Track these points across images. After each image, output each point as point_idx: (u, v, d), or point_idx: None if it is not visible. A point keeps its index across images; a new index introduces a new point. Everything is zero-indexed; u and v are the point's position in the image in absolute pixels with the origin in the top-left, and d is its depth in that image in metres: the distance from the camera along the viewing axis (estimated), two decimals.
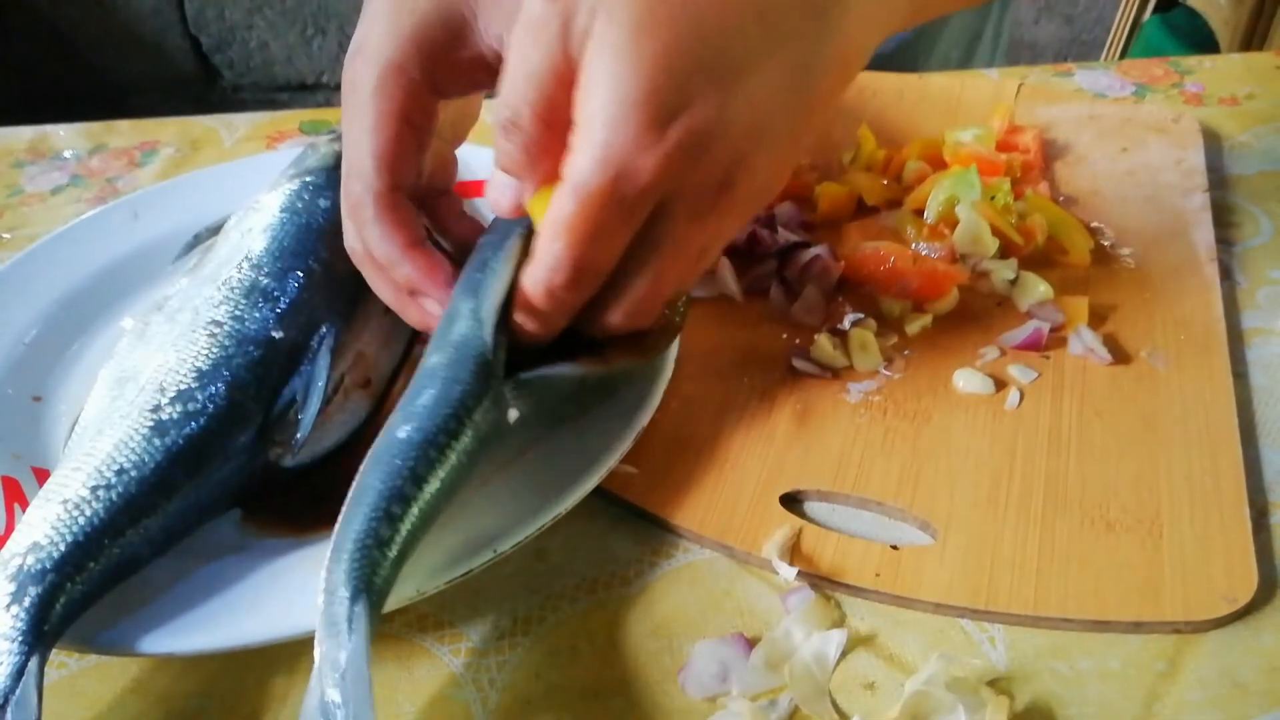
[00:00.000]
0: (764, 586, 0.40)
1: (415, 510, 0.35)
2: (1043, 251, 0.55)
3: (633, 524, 0.43)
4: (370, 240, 0.41)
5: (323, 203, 0.50)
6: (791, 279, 0.53)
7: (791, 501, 0.43)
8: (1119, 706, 0.36)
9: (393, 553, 0.35)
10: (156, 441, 0.39)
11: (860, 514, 0.43)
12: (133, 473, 0.38)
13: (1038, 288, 0.51)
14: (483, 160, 0.60)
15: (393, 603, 0.37)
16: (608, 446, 0.42)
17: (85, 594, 0.36)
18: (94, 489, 0.37)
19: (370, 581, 0.34)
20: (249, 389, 0.42)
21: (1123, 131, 0.64)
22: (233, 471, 0.41)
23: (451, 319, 0.40)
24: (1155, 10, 1.26)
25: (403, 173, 0.41)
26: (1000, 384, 0.47)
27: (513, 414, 0.39)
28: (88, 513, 0.37)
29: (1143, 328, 0.50)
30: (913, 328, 0.50)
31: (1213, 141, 0.64)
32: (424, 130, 0.42)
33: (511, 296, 0.39)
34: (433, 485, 0.36)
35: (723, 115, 0.34)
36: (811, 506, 0.43)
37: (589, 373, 0.41)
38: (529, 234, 0.40)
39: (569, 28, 0.34)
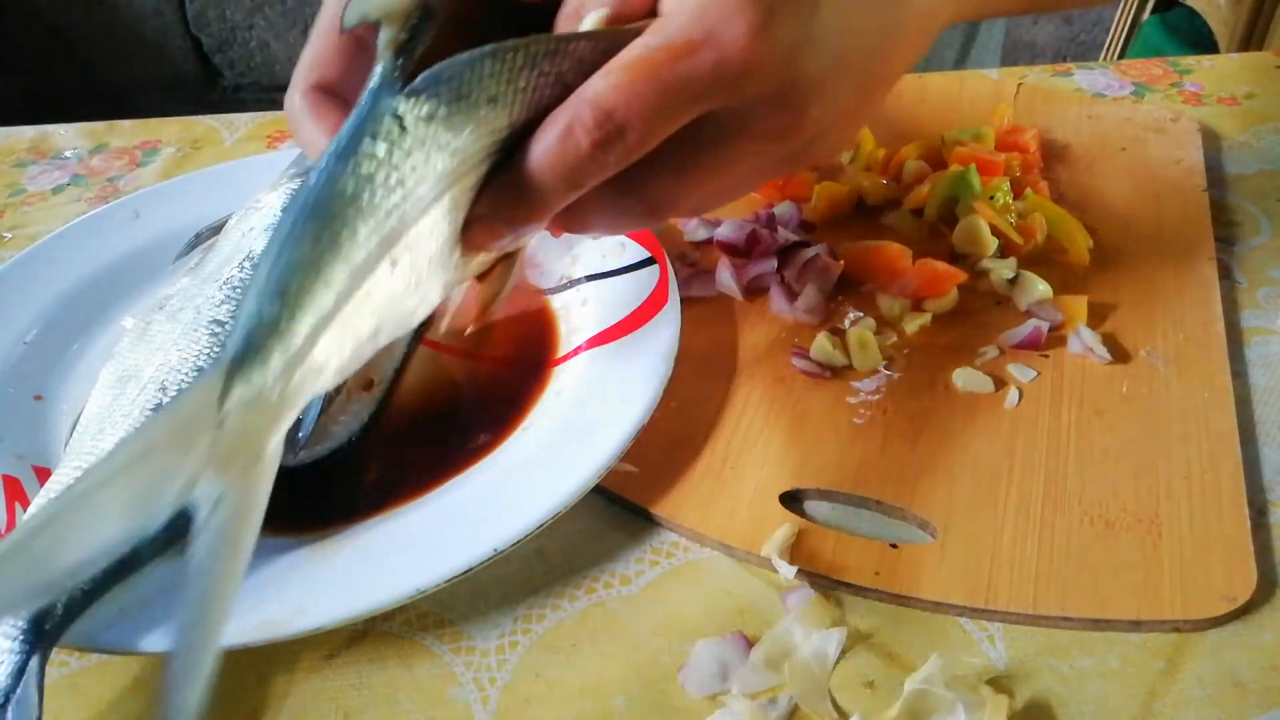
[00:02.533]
0: (764, 585, 0.40)
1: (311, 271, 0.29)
2: (1042, 251, 0.55)
3: (633, 523, 0.43)
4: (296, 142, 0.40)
5: None
6: (791, 279, 0.53)
7: (791, 500, 0.43)
8: (1118, 705, 0.36)
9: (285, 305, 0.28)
10: None
11: (860, 513, 0.43)
12: None
13: (1037, 287, 0.51)
14: None
15: (391, 602, 0.37)
16: (608, 446, 0.42)
17: (86, 593, 0.36)
18: None
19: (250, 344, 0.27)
20: None
21: (1122, 131, 0.64)
22: None
23: None
24: (1154, 10, 1.26)
25: (330, 74, 0.40)
26: (1000, 383, 0.47)
27: (422, 109, 0.31)
28: None
29: (1142, 327, 0.50)
30: (911, 327, 0.50)
31: (1212, 141, 0.64)
32: (367, 41, 0.40)
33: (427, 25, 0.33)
34: (339, 240, 0.30)
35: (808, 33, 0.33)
36: (811, 506, 0.43)
37: (503, 46, 0.32)
38: None
39: None
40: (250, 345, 0.27)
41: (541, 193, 0.33)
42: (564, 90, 0.33)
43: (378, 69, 0.33)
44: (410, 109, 0.31)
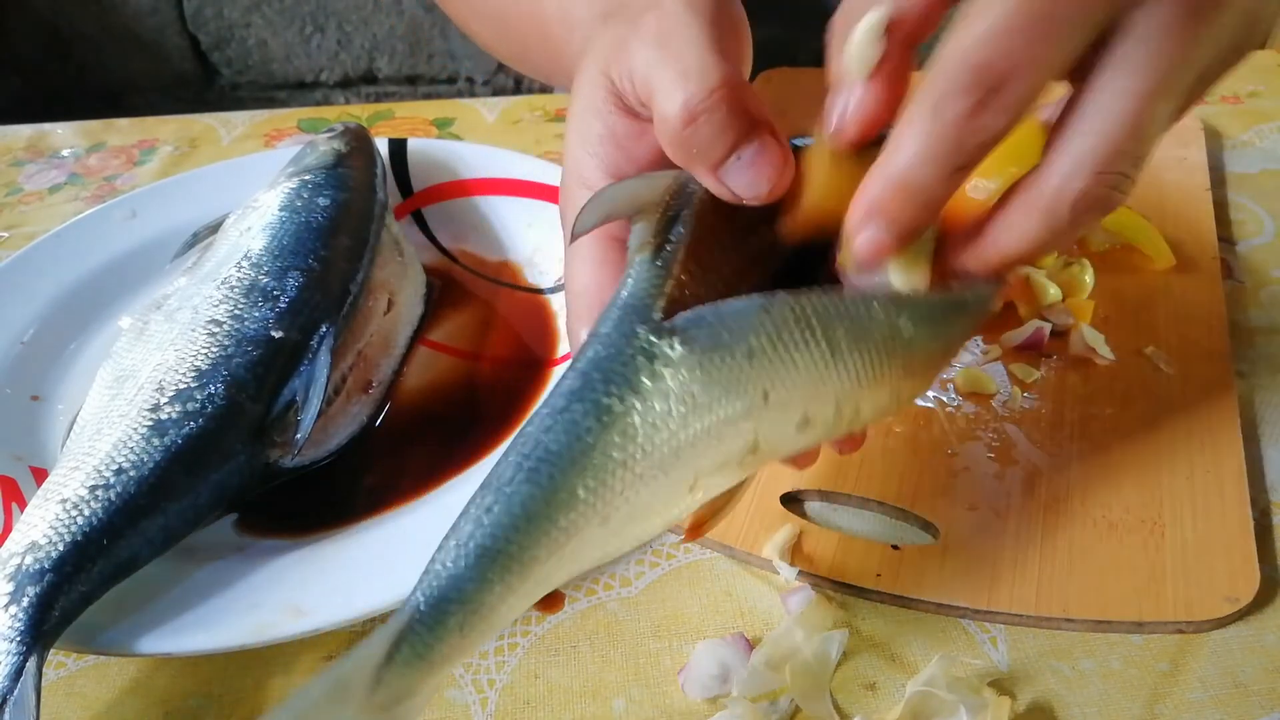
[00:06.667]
0: (765, 587, 0.40)
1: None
2: (1111, 254, 0.54)
3: None
4: None
5: (322, 201, 0.50)
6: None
7: (792, 501, 0.43)
8: (1121, 706, 0.36)
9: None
10: (155, 441, 0.39)
11: (861, 514, 0.43)
12: (131, 472, 0.38)
13: (1048, 291, 0.51)
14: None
15: (391, 602, 0.37)
16: None
17: (84, 594, 0.36)
18: (92, 489, 0.37)
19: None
20: (248, 389, 0.42)
21: None
22: (232, 472, 0.41)
23: None
24: None
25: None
26: (1002, 383, 0.47)
27: (675, 350, 0.28)
28: (86, 513, 0.37)
29: (1145, 327, 0.50)
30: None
31: (1215, 140, 0.64)
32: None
33: (689, 227, 0.31)
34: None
35: None
36: (812, 506, 0.43)
37: (776, 303, 0.29)
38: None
39: None
40: (430, 610, 0.26)
41: (921, 184, 0.28)
42: (830, 348, 0.29)
43: (629, 280, 0.30)
44: (664, 348, 0.28)
